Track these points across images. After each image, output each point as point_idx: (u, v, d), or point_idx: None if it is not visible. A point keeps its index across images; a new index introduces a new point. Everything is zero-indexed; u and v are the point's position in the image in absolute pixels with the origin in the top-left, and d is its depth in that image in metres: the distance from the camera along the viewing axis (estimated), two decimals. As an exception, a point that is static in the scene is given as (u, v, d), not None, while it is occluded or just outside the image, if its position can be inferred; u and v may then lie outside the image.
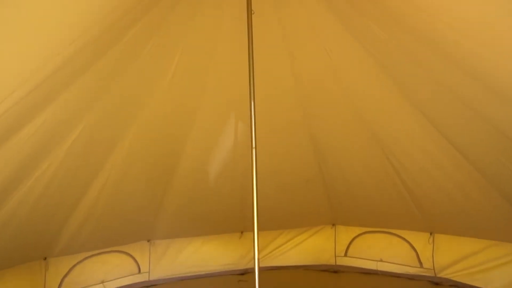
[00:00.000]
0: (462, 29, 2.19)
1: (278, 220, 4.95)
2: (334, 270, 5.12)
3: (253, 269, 5.14)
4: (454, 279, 4.33)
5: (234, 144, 4.22)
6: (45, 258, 3.99)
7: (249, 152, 3.92)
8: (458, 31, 2.20)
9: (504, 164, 2.92)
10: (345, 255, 5.13)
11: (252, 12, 2.78)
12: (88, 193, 3.62)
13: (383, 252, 4.88)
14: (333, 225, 5.26)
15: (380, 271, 4.84)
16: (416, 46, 2.68)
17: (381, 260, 4.86)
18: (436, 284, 4.45)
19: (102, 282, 4.43)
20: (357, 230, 5.09)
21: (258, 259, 2.86)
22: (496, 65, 2.21)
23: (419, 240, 4.64)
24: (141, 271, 4.76)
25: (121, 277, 4.60)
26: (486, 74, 2.34)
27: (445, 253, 4.45)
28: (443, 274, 4.43)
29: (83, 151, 3.16)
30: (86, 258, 4.33)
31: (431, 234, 4.55)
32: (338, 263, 5.16)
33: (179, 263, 4.94)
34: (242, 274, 5.12)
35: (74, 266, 4.23)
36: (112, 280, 4.52)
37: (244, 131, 4.11)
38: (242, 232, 5.20)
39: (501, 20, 1.94)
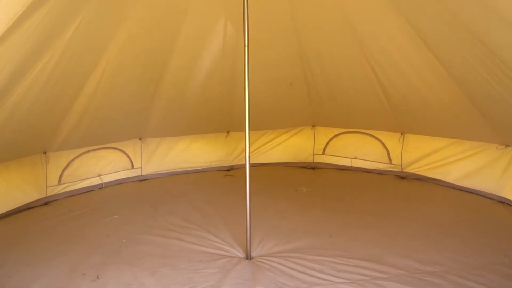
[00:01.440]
0: None
1: (262, 121, 5.27)
2: (312, 167, 5.63)
3: (238, 165, 5.61)
4: (417, 173, 4.89)
5: (223, 45, 4.31)
6: (45, 152, 4.24)
7: (237, 53, 4.07)
8: None
9: (477, 70, 3.19)
10: (323, 153, 5.61)
11: None
12: (85, 88, 3.75)
13: (357, 150, 5.36)
14: (313, 126, 5.64)
15: (354, 167, 5.36)
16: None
17: (355, 158, 5.36)
18: (402, 178, 5.02)
19: (99, 175, 4.78)
20: (335, 131, 5.51)
21: (249, 153, 3.15)
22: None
23: (391, 139, 5.10)
24: (134, 166, 5.11)
25: (115, 172, 4.95)
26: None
27: (412, 151, 4.95)
28: (409, 169, 4.98)
29: (80, 46, 3.22)
30: (83, 153, 4.60)
31: (402, 134, 5.00)
32: (316, 160, 5.65)
33: (169, 160, 5.30)
34: (228, 170, 5.57)
35: (73, 160, 4.51)
36: (107, 174, 4.86)
37: (233, 33, 4.20)
38: (228, 132, 5.54)
39: None
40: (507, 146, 4.03)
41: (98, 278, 2.70)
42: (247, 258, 2.99)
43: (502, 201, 4.01)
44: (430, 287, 2.54)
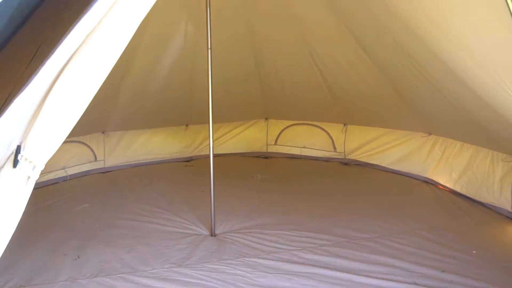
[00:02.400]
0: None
1: (219, 115, 5.65)
2: (265, 156, 6.13)
3: (196, 156, 5.99)
4: (358, 159, 5.54)
5: (184, 45, 4.66)
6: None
7: (198, 54, 4.45)
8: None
9: (402, 71, 3.80)
10: (275, 143, 6.12)
11: None
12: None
13: (306, 140, 5.92)
14: (266, 119, 6.14)
15: (303, 155, 5.93)
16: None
17: (304, 147, 5.93)
18: (345, 164, 5.65)
19: (64, 168, 4.97)
20: (286, 123, 6.04)
21: (212, 145, 3.59)
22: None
23: (335, 130, 5.72)
24: (97, 159, 5.33)
25: (79, 164, 5.16)
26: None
27: (354, 140, 5.59)
28: (351, 156, 5.62)
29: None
30: (47, 147, 4.77)
31: (344, 125, 5.63)
32: (269, 150, 6.16)
33: (131, 152, 5.56)
34: (188, 160, 5.94)
35: (38, 154, 4.67)
36: (72, 166, 5.06)
37: (193, 35, 4.57)
38: (187, 125, 5.90)
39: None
40: (430, 134, 4.74)
41: (79, 257, 3.02)
42: (212, 235, 3.43)
43: (426, 181, 4.72)
44: (365, 249, 3.12)
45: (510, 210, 3.65)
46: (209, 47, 3.30)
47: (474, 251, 3.05)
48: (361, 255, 3.02)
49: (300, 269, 2.84)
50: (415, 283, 2.62)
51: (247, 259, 2.99)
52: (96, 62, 1.63)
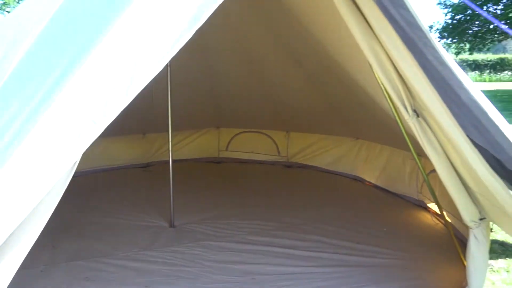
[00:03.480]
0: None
1: (174, 124, 6.20)
2: (217, 161, 6.73)
3: (153, 162, 6.45)
4: (300, 162, 6.30)
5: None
6: None
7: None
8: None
9: (333, 86, 4.59)
10: (226, 149, 6.75)
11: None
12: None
13: (254, 146, 6.60)
14: (218, 127, 6.76)
15: (251, 159, 6.60)
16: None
17: (252, 152, 6.60)
18: (288, 166, 6.38)
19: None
20: (236, 131, 6.69)
21: (172, 151, 4.14)
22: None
23: (279, 136, 6.45)
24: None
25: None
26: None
27: (295, 145, 6.35)
28: (293, 159, 6.36)
29: None
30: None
31: (287, 132, 6.38)
32: (221, 156, 6.77)
33: (90, 159, 5.94)
34: (145, 166, 6.40)
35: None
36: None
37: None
38: (144, 134, 6.38)
39: None
40: (357, 138, 5.59)
41: (54, 247, 3.46)
42: (171, 227, 3.98)
43: (356, 179, 5.54)
44: (300, 231, 3.81)
45: (416, 198, 4.52)
46: (169, 64, 3.88)
47: (384, 228, 3.85)
48: (297, 235, 3.71)
49: (247, 247, 3.47)
50: (336, 253, 3.34)
51: (202, 242, 3.59)
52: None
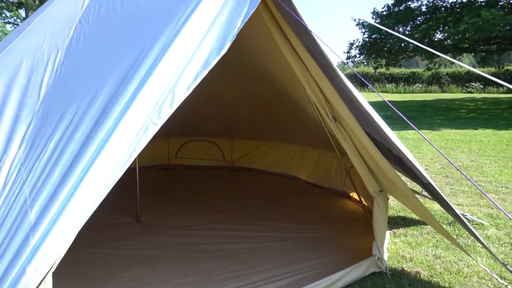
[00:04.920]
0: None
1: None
2: (168, 168, 7.35)
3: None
4: (243, 165, 7.14)
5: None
6: None
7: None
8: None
9: (275, 101, 5.52)
10: (176, 157, 7.40)
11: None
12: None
13: (201, 153, 7.33)
14: (167, 136, 7.40)
15: (199, 165, 7.31)
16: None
17: (200, 158, 7.32)
18: (233, 170, 7.20)
19: None
20: (184, 139, 7.37)
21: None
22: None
23: (224, 144, 7.25)
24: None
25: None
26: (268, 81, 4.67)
27: (239, 151, 7.19)
28: (237, 163, 7.19)
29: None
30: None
31: (231, 139, 7.20)
32: (171, 163, 7.40)
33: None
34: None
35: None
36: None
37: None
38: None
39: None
40: (293, 143, 6.57)
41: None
42: (138, 222, 4.60)
43: (292, 178, 6.50)
44: (248, 218, 4.64)
45: (341, 190, 5.56)
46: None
47: (317, 213, 4.81)
48: (247, 222, 4.54)
49: (207, 232, 4.25)
50: (278, 232, 4.22)
51: (167, 231, 4.29)
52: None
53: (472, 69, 2.61)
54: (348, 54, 24.03)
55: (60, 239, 1.70)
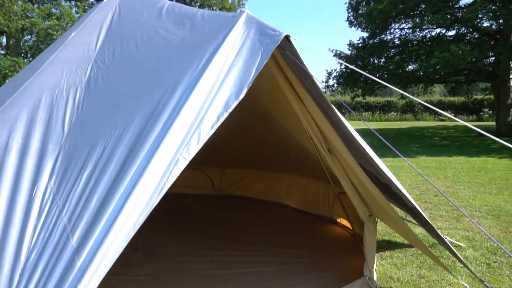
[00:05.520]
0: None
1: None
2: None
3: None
4: (232, 193, 7.38)
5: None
6: None
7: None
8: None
9: (266, 131, 5.86)
10: (167, 185, 7.57)
11: None
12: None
13: (191, 181, 7.53)
14: (158, 166, 7.59)
15: (188, 193, 7.51)
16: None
17: (189, 187, 7.52)
18: (223, 198, 7.42)
19: None
20: (175, 169, 7.58)
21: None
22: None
23: (214, 173, 7.50)
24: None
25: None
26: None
27: (228, 179, 7.44)
28: (226, 192, 7.43)
29: None
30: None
31: (221, 168, 7.46)
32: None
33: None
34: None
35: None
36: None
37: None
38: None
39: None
40: (281, 171, 6.87)
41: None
42: (135, 250, 4.76)
43: (281, 205, 6.77)
44: (241, 243, 4.87)
45: (329, 216, 5.85)
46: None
47: (306, 238, 5.08)
48: (237, 247, 4.78)
49: (198, 258, 4.46)
50: (270, 256, 4.47)
51: (161, 258, 4.47)
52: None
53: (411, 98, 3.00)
54: (327, 84, 24.88)
55: (105, 261, 1.92)
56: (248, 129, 6.25)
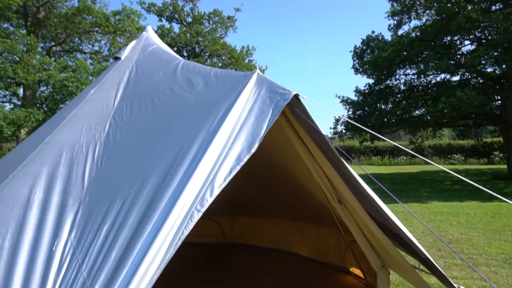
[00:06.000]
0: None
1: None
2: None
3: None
4: (243, 241, 7.35)
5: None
6: None
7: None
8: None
9: (278, 181, 5.95)
10: (177, 234, 7.59)
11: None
12: None
13: (202, 230, 7.53)
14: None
15: (200, 242, 7.49)
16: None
17: (201, 235, 7.51)
18: (232, 246, 7.38)
19: None
20: (186, 217, 7.62)
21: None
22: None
23: (225, 221, 7.51)
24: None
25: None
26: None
27: (239, 227, 7.44)
28: (237, 240, 7.40)
29: None
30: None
31: (231, 216, 7.48)
32: (172, 240, 7.57)
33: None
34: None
35: None
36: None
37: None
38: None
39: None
40: (294, 220, 6.87)
41: None
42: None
43: (292, 253, 6.71)
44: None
45: (340, 265, 5.78)
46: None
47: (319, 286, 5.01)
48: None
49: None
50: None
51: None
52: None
53: (399, 145, 3.09)
54: (334, 130, 25.15)
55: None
56: (259, 178, 6.34)
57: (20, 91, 25.04)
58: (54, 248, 2.49)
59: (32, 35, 20.54)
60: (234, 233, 7.47)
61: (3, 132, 17.44)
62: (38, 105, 23.71)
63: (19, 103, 23.18)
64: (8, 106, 21.48)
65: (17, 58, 20.27)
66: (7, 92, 23.17)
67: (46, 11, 22.09)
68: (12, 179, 3.07)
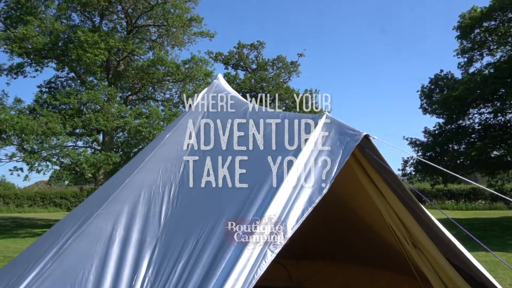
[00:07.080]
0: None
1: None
2: None
3: None
4: (310, 286, 7.13)
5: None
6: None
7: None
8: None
9: (343, 223, 5.81)
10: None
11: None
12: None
13: (267, 273, 7.44)
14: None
15: (266, 285, 7.37)
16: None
17: (266, 279, 7.40)
18: (300, 291, 7.19)
19: None
20: (252, 259, 7.61)
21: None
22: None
23: (291, 264, 7.37)
24: None
25: None
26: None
27: (306, 271, 7.25)
28: (304, 284, 7.20)
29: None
30: None
31: (298, 260, 7.33)
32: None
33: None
34: None
35: None
36: None
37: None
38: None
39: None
40: (361, 265, 6.57)
41: None
42: None
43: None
44: None
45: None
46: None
47: None
48: None
49: None
50: None
51: None
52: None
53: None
54: (403, 171, 24.09)
55: None
56: (327, 220, 6.22)
57: (100, 137, 27.25)
58: (133, 283, 2.62)
59: (112, 86, 22.51)
60: (301, 277, 7.28)
61: (85, 174, 18.88)
62: (115, 149, 25.55)
63: (98, 148, 25.16)
64: (89, 151, 23.35)
65: (99, 107, 22.18)
66: (89, 138, 25.32)
67: (125, 64, 24.23)
68: (97, 217, 3.33)
